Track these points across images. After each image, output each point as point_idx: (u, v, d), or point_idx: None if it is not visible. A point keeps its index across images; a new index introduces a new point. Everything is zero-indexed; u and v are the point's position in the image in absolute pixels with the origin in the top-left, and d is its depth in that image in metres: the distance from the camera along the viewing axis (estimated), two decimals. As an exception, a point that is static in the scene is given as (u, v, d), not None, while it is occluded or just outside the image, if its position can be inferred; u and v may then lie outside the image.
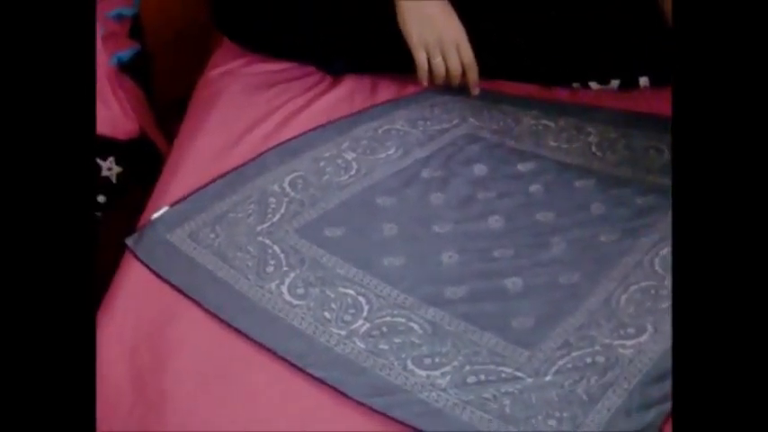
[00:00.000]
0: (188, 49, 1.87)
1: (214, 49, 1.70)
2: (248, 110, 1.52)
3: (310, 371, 1.07)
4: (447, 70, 1.56)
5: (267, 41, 1.65)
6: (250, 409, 1.04)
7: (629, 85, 1.58)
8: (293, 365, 1.08)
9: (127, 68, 1.78)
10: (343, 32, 1.60)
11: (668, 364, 1.05)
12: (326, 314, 1.15)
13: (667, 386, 1.03)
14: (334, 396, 1.05)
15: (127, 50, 1.79)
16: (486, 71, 1.60)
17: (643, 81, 1.57)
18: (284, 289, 1.18)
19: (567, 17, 1.57)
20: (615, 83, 1.58)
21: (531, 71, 1.61)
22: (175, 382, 1.07)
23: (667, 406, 1.01)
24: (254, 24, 1.64)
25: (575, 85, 1.60)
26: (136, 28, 1.88)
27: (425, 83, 1.57)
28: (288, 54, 1.64)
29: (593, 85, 1.59)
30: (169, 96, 1.83)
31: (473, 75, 1.57)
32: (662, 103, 1.53)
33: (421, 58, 1.54)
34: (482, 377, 1.06)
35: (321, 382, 1.06)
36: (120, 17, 1.81)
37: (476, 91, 1.57)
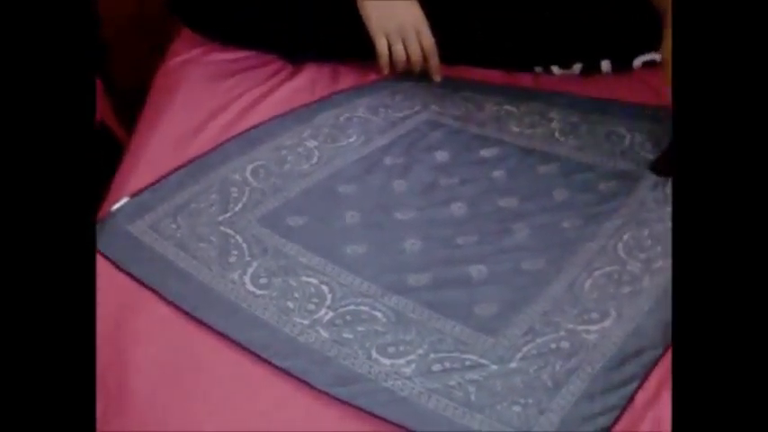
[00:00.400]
0: (146, 36, 1.86)
1: (173, 36, 1.69)
2: (209, 99, 1.51)
3: (274, 361, 1.06)
4: (408, 56, 1.55)
5: (225, 28, 1.63)
6: (213, 401, 1.03)
7: (592, 68, 1.58)
8: (257, 356, 1.07)
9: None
10: (303, 19, 1.59)
11: (631, 347, 1.06)
12: (290, 303, 1.14)
13: (629, 369, 1.04)
14: (299, 386, 1.04)
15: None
16: (447, 57, 1.59)
17: (605, 65, 1.57)
18: (247, 279, 1.17)
19: (529, 1, 1.57)
20: (577, 67, 1.58)
21: (493, 57, 1.61)
22: (137, 375, 1.06)
23: (630, 388, 1.01)
24: (210, 11, 1.62)
25: (537, 69, 1.60)
26: (90, 15, 1.86)
27: (386, 70, 1.56)
28: (247, 42, 1.63)
29: (556, 69, 1.59)
30: (127, 85, 1.81)
31: (434, 60, 1.56)
32: (624, 89, 1.54)
33: (381, 44, 1.54)
34: (447, 365, 1.06)
35: (285, 372, 1.05)
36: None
37: (438, 77, 1.56)
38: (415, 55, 1.55)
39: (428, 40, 1.55)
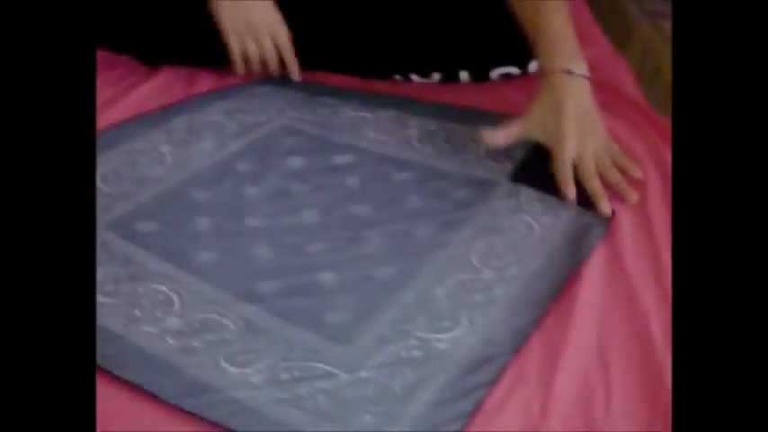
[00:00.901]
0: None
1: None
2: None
3: (118, 373, 1.03)
4: (262, 57, 1.53)
5: None
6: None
7: (450, 79, 1.59)
8: (101, 369, 1.04)
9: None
10: (159, 20, 1.56)
11: (481, 355, 1.06)
12: (137, 311, 1.11)
13: (479, 376, 1.04)
14: (147, 397, 1.01)
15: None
16: (306, 63, 1.58)
17: (463, 75, 1.58)
18: None
19: (390, 8, 1.56)
20: (436, 76, 1.59)
21: (352, 63, 1.61)
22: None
23: (479, 394, 1.02)
24: None
25: (396, 77, 1.60)
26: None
27: (241, 70, 1.54)
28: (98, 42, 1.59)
29: (415, 77, 1.59)
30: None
31: (289, 58, 1.55)
32: (481, 97, 1.55)
33: (233, 43, 1.52)
34: (296, 374, 1.04)
35: (134, 384, 1.02)
36: None
37: (295, 76, 1.55)
38: (270, 54, 1.53)
39: (283, 38, 1.54)
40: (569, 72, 1.31)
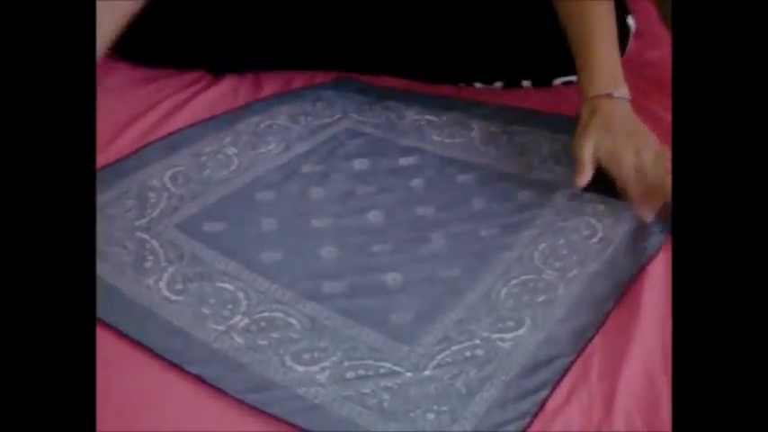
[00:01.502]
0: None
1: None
2: (128, 104, 1.49)
3: (187, 368, 1.05)
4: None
5: (139, 52, 1.61)
6: (128, 407, 1.02)
7: (513, 86, 1.60)
8: (169, 362, 1.06)
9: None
10: (222, 38, 1.57)
11: (543, 355, 1.07)
12: (204, 309, 1.13)
13: (541, 376, 1.05)
14: (212, 393, 1.03)
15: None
16: (370, 66, 1.60)
17: (526, 83, 1.59)
18: (162, 285, 1.16)
19: (454, 17, 1.57)
20: (499, 84, 1.59)
21: (416, 70, 1.61)
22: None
23: (541, 395, 1.03)
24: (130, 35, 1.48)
25: (459, 84, 1.61)
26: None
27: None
28: (164, 63, 1.61)
29: (478, 85, 1.60)
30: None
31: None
32: (544, 101, 1.55)
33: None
34: (361, 372, 1.06)
35: (199, 378, 1.04)
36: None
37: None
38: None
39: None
40: (610, 95, 1.32)
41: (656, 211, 1.26)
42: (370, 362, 1.07)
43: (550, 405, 1.02)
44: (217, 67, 1.60)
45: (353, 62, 1.62)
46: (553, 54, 1.53)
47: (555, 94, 1.57)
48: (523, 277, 1.18)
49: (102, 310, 1.10)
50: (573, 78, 1.55)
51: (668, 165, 1.27)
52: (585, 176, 1.29)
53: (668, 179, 1.24)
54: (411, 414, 1.01)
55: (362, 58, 1.59)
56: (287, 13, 1.57)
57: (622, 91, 1.34)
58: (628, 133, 1.29)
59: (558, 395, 1.03)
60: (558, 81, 1.58)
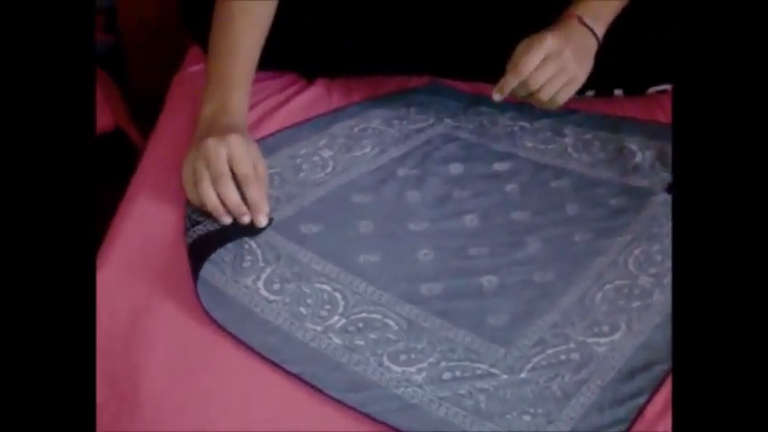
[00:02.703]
0: (163, 43, 1.87)
1: (190, 44, 1.70)
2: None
3: (286, 366, 1.07)
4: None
5: None
6: (224, 403, 1.04)
7: (605, 95, 1.59)
8: (269, 361, 1.08)
9: (102, 62, 1.77)
10: (315, 40, 1.59)
11: (640, 361, 1.08)
12: (302, 309, 1.15)
13: (638, 382, 1.05)
14: (310, 392, 1.05)
15: (102, 44, 1.78)
16: (463, 72, 1.60)
17: (617, 92, 1.58)
18: (260, 284, 1.18)
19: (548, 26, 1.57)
20: (590, 93, 1.59)
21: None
22: (148, 376, 1.07)
23: (639, 401, 1.03)
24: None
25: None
26: (110, 22, 1.87)
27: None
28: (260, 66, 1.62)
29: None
30: (143, 91, 1.82)
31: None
32: (635, 108, 1.55)
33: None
34: (457, 373, 1.07)
35: (297, 377, 1.06)
36: (94, 11, 1.81)
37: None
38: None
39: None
40: (583, 22, 1.40)
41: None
42: (467, 363, 1.08)
43: (649, 412, 1.02)
44: (310, 71, 1.62)
45: (445, 67, 1.63)
46: (646, 64, 1.53)
47: (647, 102, 1.57)
48: (618, 282, 1.19)
49: (204, 308, 1.13)
50: (668, 87, 1.55)
51: (563, 99, 1.38)
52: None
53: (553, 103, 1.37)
54: (507, 416, 1.02)
55: (454, 64, 1.60)
56: (381, 16, 1.58)
57: (598, 28, 1.41)
58: (575, 49, 1.36)
59: (657, 402, 1.03)
60: (651, 90, 1.57)
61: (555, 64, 1.34)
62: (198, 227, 1.24)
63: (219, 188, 1.22)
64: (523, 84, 1.35)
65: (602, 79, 1.56)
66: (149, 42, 1.94)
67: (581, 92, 1.57)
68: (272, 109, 1.52)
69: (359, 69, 1.62)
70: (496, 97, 1.37)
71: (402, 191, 1.35)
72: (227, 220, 1.23)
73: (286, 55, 1.59)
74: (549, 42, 1.34)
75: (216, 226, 1.24)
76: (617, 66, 1.55)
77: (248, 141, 1.28)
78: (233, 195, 1.22)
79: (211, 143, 1.24)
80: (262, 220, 1.24)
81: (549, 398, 1.04)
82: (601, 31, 1.41)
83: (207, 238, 1.22)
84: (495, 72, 1.59)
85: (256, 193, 1.24)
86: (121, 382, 1.07)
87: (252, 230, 1.24)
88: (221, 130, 1.27)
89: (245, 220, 1.23)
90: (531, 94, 1.37)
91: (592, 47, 1.40)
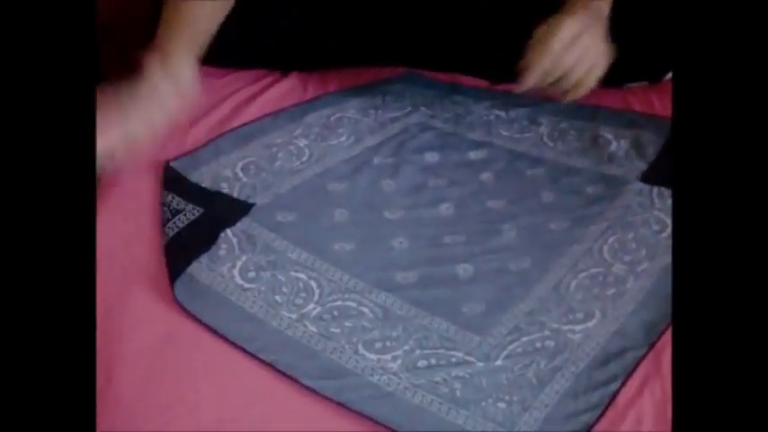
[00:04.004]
0: (138, 37, 1.85)
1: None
2: (199, 97, 1.51)
3: (261, 355, 1.07)
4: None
5: (211, 50, 1.60)
6: (200, 392, 1.04)
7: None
8: (243, 349, 1.08)
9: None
10: (286, 39, 1.58)
11: (614, 347, 1.09)
12: (278, 298, 1.15)
13: (612, 369, 1.06)
14: (286, 380, 1.05)
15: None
16: (439, 64, 1.60)
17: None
18: (236, 272, 1.18)
19: (525, 15, 1.57)
20: None
21: (484, 66, 1.61)
22: (124, 366, 1.06)
23: (612, 387, 1.04)
24: None
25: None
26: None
27: None
28: (230, 63, 1.61)
29: (547, 88, 1.60)
30: (120, 84, 1.81)
31: None
32: (611, 98, 1.55)
33: None
34: (433, 361, 1.07)
35: (272, 365, 1.06)
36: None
37: None
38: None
39: None
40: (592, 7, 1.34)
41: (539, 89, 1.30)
42: (442, 351, 1.08)
43: (622, 397, 1.03)
44: (284, 66, 1.61)
45: (421, 60, 1.62)
46: (624, 61, 1.53)
47: (623, 92, 1.57)
48: (593, 270, 1.19)
49: (180, 296, 1.13)
50: (642, 84, 1.55)
51: (592, 82, 1.31)
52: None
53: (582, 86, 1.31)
54: (482, 403, 1.03)
55: (430, 56, 1.60)
56: (357, 9, 1.57)
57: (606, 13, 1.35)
58: (594, 34, 1.31)
59: (629, 388, 1.04)
60: (627, 87, 1.58)
61: (578, 46, 1.29)
62: (179, 216, 1.24)
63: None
64: (550, 70, 1.30)
65: None
66: (124, 36, 1.92)
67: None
68: (247, 99, 1.52)
69: (334, 63, 1.62)
70: (525, 87, 1.31)
71: (377, 179, 1.35)
72: None
73: (262, 51, 1.58)
74: (569, 24, 1.29)
75: (196, 214, 1.24)
76: None
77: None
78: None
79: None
80: None
81: (523, 385, 1.04)
82: (607, 13, 1.36)
83: (188, 237, 1.22)
84: (471, 63, 1.60)
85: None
86: (97, 370, 1.06)
87: (230, 219, 1.24)
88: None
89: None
90: (557, 81, 1.31)
91: (603, 30, 1.35)
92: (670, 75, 1.54)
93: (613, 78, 1.56)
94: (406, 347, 1.09)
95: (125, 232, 1.24)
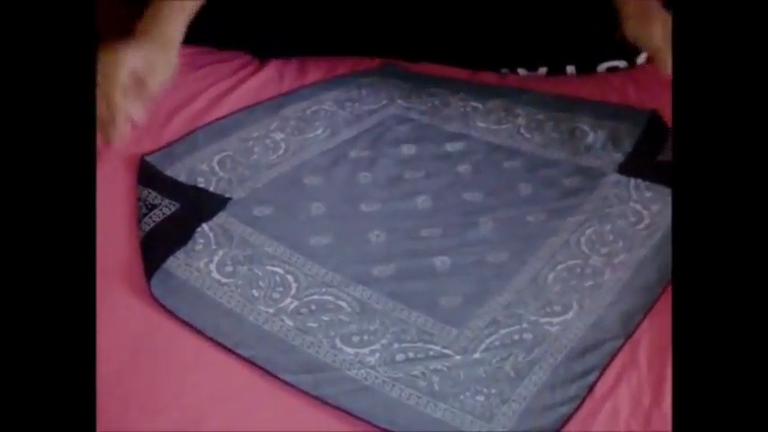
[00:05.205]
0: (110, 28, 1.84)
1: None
2: (175, 91, 1.49)
3: (238, 350, 1.07)
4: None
5: (190, 31, 1.59)
6: (176, 387, 1.04)
7: (557, 72, 1.60)
8: (221, 344, 1.08)
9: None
10: (268, 18, 1.58)
11: (591, 339, 1.09)
12: (255, 292, 1.14)
13: (589, 360, 1.06)
14: (263, 374, 1.05)
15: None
16: (413, 53, 1.60)
17: (570, 69, 1.59)
18: (213, 267, 1.17)
19: (498, 2, 1.57)
20: (543, 70, 1.59)
21: (460, 55, 1.62)
22: (104, 359, 1.05)
23: (589, 379, 1.04)
24: None
25: (503, 70, 1.61)
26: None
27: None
28: (210, 41, 1.61)
29: (522, 71, 1.60)
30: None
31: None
32: (588, 88, 1.55)
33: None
34: (411, 355, 1.07)
35: (249, 360, 1.06)
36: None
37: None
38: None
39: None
40: None
41: None
42: (420, 344, 1.08)
43: (599, 389, 1.03)
44: (262, 51, 1.61)
45: (396, 48, 1.63)
46: (597, 39, 1.54)
47: (600, 82, 1.57)
48: (570, 262, 1.19)
49: (156, 292, 1.12)
50: (619, 64, 1.55)
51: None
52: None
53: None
54: (461, 396, 1.02)
55: (405, 45, 1.60)
56: None
57: None
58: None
59: (606, 379, 1.04)
60: (602, 67, 1.58)
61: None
62: (154, 211, 1.23)
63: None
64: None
65: (554, 54, 1.57)
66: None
67: (533, 68, 1.58)
68: (224, 92, 1.51)
69: (312, 50, 1.61)
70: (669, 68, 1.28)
71: (354, 172, 1.35)
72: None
73: (241, 33, 1.58)
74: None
75: (172, 209, 1.23)
76: (569, 41, 1.56)
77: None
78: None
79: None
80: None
81: (501, 378, 1.04)
82: None
83: (164, 232, 1.22)
84: (444, 52, 1.60)
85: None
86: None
87: (206, 213, 1.24)
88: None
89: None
90: None
91: None
92: (643, 57, 1.55)
93: (586, 58, 1.57)
94: (384, 341, 1.08)
95: (100, 227, 1.23)
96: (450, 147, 1.41)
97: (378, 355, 1.07)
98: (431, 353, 1.07)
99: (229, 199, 1.27)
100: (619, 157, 1.37)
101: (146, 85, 1.26)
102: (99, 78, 1.20)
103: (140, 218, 1.23)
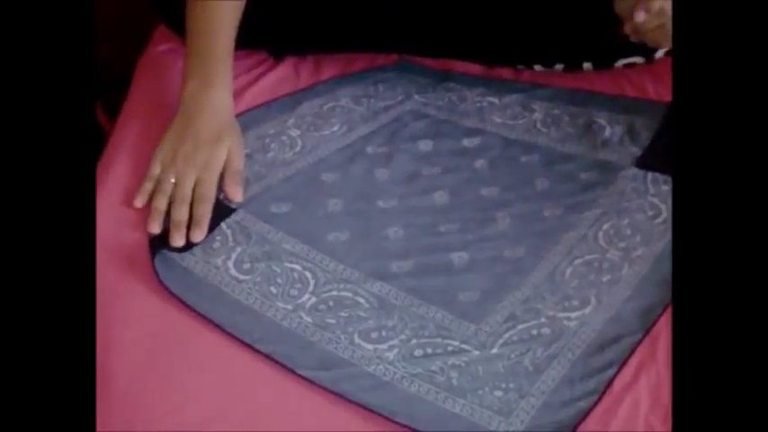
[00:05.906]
0: (129, 25, 1.85)
1: (157, 25, 1.68)
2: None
3: (257, 346, 1.07)
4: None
5: None
6: (195, 384, 1.04)
7: (573, 68, 1.59)
8: (240, 340, 1.08)
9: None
10: (283, 18, 1.58)
11: (610, 334, 1.09)
12: (273, 289, 1.15)
13: (608, 355, 1.06)
14: (282, 370, 1.05)
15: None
16: (429, 49, 1.60)
17: (587, 66, 1.58)
18: (230, 264, 1.18)
19: (514, 3, 1.57)
20: (559, 67, 1.59)
21: (476, 51, 1.61)
22: (120, 357, 1.07)
23: (608, 373, 1.04)
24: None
25: (519, 66, 1.61)
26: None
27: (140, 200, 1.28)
28: None
29: (538, 67, 1.60)
30: (112, 73, 1.81)
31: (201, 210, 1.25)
32: (605, 82, 1.55)
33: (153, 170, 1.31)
34: (429, 350, 1.07)
35: (268, 356, 1.06)
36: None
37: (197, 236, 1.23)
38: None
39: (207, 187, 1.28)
40: None
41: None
42: (438, 340, 1.08)
43: (618, 384, 1.03)
44: (278, 49, 1.61)
45: (413, 44, 1.62)
46: (614, 35, 1.53)
47: (616, 77, 1.56)
48: (588, 257, 1.19)
49: (175, 289, 1.12)
50: (636, 60, 1.55)
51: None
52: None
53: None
54: (479, 391, 1.03)
55: (421, 41, 1.59)
56: None
57: None
58: None
59: (625, 374, 1.04)
60: (619, 63, 1.57)
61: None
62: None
63: (176, 208, 1.24)
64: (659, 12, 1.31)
65: (571, 51, 1.57)
66: (117, 22, 1.92)
67: (550, 65, 1.58)
68: (240, 89, 1.51)
69: (328, 47, 1.61)
70: (640, 17, 1.32)
71: (371, 168, 1.35)
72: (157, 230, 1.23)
73: (256, 33, 1.58)
74: None
75: None
76: (586, 38, 1.55)
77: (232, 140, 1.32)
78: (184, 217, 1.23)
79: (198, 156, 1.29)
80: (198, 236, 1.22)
81: (520, 373, 1.04)
82: None
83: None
84: (461, 49, 1.59)
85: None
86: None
87: (221, 214, 1.24)
88: (207, 106, 1.33)
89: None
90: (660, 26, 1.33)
91: None
92: (662, 52, 1.54)
93: (603, 55, 1.57)
94: (402, 337, 1.09)
95: (116, 225, 1.24)
96: (467, 142, 1.41)
97: (396, 350, 1.07)
98: (449, 348, 1.07)
99: (234, 210, 1.26)
100: (636, 150, 1.37)
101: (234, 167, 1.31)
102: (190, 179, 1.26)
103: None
